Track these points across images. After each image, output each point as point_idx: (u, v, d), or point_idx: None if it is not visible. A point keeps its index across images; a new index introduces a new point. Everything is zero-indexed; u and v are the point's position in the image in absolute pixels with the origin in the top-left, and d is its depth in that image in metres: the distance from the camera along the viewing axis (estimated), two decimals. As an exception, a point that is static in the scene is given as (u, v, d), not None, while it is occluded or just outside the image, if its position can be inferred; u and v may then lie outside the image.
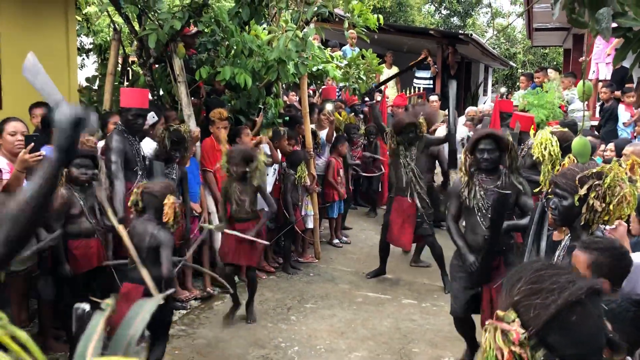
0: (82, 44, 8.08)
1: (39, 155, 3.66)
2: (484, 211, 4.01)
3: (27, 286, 4.18)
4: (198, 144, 5.52)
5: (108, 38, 7.11)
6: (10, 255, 1.50)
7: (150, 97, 6.09)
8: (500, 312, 1.44)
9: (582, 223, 2.52)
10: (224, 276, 4.79)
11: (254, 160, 4.83)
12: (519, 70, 22.68)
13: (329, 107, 7.17)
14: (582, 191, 2.48)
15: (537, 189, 4.40)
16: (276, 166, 6.22)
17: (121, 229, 3.73)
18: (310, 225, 6.64)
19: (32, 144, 3.68)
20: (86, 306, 1.50)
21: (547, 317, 1.37)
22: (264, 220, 5.03)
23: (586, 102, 7.73)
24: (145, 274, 3.51)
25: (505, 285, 1.50)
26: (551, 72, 9.63)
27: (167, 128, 4.84)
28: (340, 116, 7.95)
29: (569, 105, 8.28)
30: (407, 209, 5.82)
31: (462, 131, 8.44)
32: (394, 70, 11.76)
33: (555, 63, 24.63)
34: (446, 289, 5.75)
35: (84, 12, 7.28)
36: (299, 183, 6.29)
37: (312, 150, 6.55)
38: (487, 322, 1.46)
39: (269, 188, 6.08)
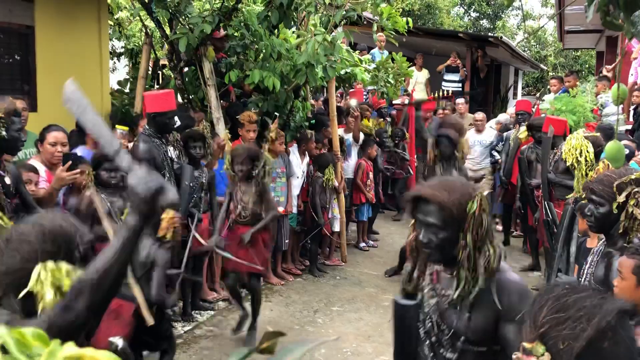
0: (114, 47, 8.23)
1: (76, 174, 3.74)
2: (434, 338, 2.02)
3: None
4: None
5: (139, 42, 7.24)
6: (93, 320, 1.49)
7: (180, 100, 6.19)
8: (527, 345, 1.38)
9: (621, 231, 2.45)
10: (227, 287, 4.57)
11: (260, 158, 4.53)
12: (550, 73, 22.32)
13: (352, 102, 7.15)
14: (621, 198, 2.41)
15: (571, 195, 4.33)
16: (304, 169, 6.24)
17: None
18: (336, 228, 6.64)
19: (70, 162, 3.75)
20: (119, 341, 1.50)
21: (579, 349, 1.31)
22: (262, 223, 4.55)
23: (621, 106, 7.53)
24: (137, 292, 3.12)
25: (528, 314, 1.45)
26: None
27: (186, 133, 4.91)
28: (369, 121, 7.94)
29: (603, 109, 8.12)
30: None
31: (490, 134, 8.34)
32: (424, 73, 11.70)
33: (587, 66, 24.20)
34: None
35: (116, 17, 7.42)
36: (327, 185, 6.29)
37: (339, 153, 6.56)
38: (514, 356, 1.40)
39: (296, 191, 6.11)
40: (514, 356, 1.40)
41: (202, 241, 4.42)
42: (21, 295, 1.54)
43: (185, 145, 4.86)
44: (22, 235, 1.63)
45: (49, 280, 1.55)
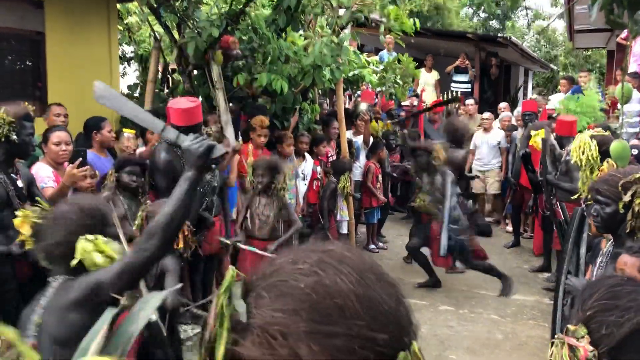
0: (124, 52, 8.30)
1: (87, 170, 3.77)
2: None
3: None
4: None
5: (149, 47, 7.29)
6: (161, 257, 1.92)
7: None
8: (571, 327, 1.39)
9: (628, 230, 2.45)
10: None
11: (280, 171, 4.54)
12: (560, 73, 22.18)
13: (362, 106, 7.14)
14: (627, 198, 2.40)
15: (575, 196, 4.30)
16: (307, 171, 6.18)
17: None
18: (344, 230, 6.63)
19: (81, 158, 3.76)
20: (153, 316, 1.59)
21: (621, 336, 1.32)
22: (286, 236, 4.60)
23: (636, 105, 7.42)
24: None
25: (578, 299, 1.45)
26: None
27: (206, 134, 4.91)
28: (377, 123, 7.93)
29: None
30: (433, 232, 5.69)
31: (498, 134, 8.31)
32: (434, 74, 11.68)
33: (598, 65, 24.03)
34: (503, 292, 5.63)
35: (125, 22, 7.49)
36: (341, 191, 6.27)
37: (347, 155, 6.55)
38: (556, 336, 1.42)
39: (301, 194, 6.08)
40: (556, 336, 1.42)
41: (227, 241, 4.37)
42: (74, 262, 1.83)
43: None
44: (65, 212, 1.93)
45: (92, 248, 1.84)
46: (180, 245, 3.41)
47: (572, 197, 4.47)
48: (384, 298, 0.72)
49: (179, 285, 3.34)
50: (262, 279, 0.76)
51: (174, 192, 1.81)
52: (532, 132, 5.99)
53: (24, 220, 2.04)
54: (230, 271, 0.76)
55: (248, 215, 4.62)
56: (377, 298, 0.72)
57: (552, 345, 1.41)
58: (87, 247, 1.84)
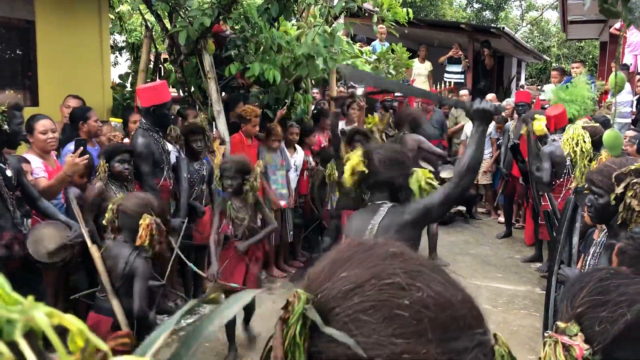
0: (116, 42, 8.23)
1: (87, 159, 3.74)
2: None
3: (63, 279, 4.25)
4: (227, 139, 5.56)
5: (141, 36, 7.23)
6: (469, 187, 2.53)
7: (181, 93, 6.17)
8: (561, 324, 1.34)
9: (620, 222, 2.45)
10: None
11: (250, 172, 4.14)
12: (553, 64, 22.20)
13: (358, 92, 7.11)
14: (619, 190, 2.40)
15: (575, 185, 4.30)
16: (299, 162, 6.17)
17: (94, 251, 3.23)
18: (338, 220, 6.61)
19: (82, 147, 3.72)
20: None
21: (616, 332, 1.27)
22: (259, 237, 4.20)
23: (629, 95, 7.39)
24: (116, 305, 3.03)
25: (566, 295, 1.41)
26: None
27: (187, 127, 4.87)
28: (373, 116, 7.90)
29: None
30: None
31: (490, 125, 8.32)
32: (427, 65, 11.65)
33: (591, 57, 24.09)
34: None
35: (117, 11, 7.42)
36: (330, 179, 6.26)
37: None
38: (546, 334, 1.36)
39: (293, 184, 6.08)
40: (545, 334, 1.37)
41: (186, 260, 4.18)
42: (415, 187, 2.51)
43: (186, 139, 4.86)
44: (397, 155, 2.57)
45: (425, 177, 2.53)
46: (146, 242, 3.05)
47: (544, 187, 4.47)
48: (470, 297, 0.69)
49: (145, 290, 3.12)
50: (342, 299, 0.66)
51: (471, 140, 2.31)
52: None
53: (358, 161, 2.52)
54: (302, 295, 0.66)
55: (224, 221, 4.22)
56: (469, 299, 0.68)
57: (544, 345, 1.35)
58: (423, 176, 2.51)
